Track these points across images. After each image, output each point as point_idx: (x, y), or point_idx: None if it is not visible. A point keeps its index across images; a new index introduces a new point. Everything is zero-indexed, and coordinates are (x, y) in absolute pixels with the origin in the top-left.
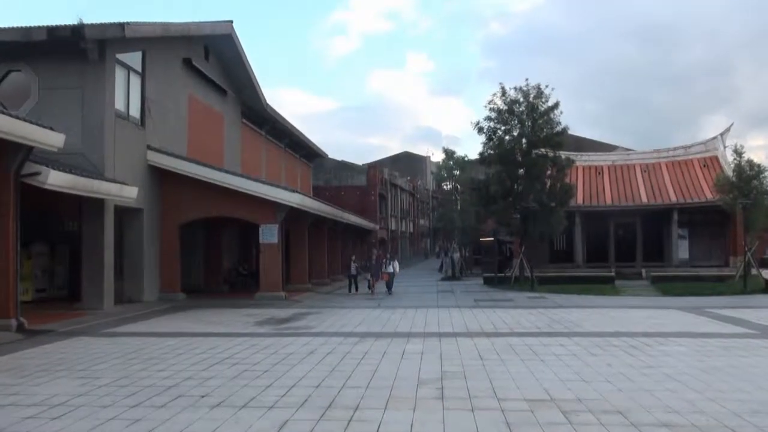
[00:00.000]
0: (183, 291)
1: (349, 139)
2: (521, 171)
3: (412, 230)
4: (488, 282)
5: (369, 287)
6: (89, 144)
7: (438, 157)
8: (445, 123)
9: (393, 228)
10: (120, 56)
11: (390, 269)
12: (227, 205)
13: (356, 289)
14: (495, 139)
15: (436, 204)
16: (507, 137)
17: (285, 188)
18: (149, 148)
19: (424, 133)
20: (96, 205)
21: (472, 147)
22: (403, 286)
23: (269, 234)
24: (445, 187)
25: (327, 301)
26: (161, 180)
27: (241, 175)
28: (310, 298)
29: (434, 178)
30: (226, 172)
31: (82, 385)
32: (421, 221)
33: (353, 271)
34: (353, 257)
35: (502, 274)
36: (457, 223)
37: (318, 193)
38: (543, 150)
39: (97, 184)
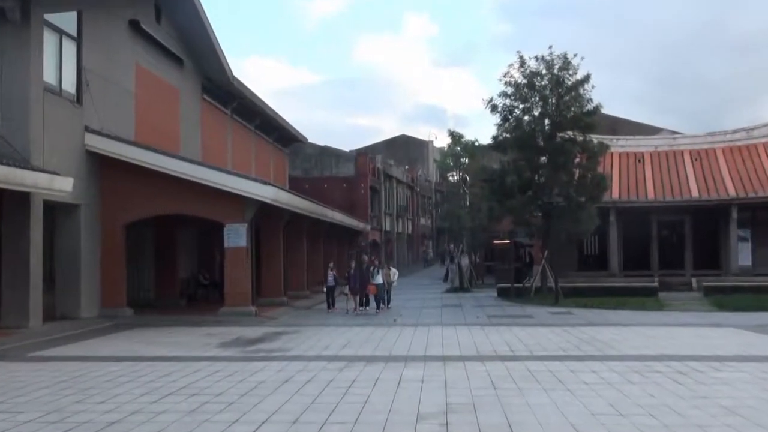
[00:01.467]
0: (130, 306)
1: (334, 119)
2: (543, 158)
3: (410, 231)
4: (503, 294)
5: (353, 305)
6: (11, 125)
7: (442, 141)
8: (451, 100)
9: (387, 228)
10: (49, 17)
11: (378, 279)
12: (185, 201)
13: (333, 305)
14: (512, 120)
15: (440, 199)
16: (526, 117)
17: (255, 180)
18: (87, 130)
19: (426, 113)
20: (19, 200)
21: (483, 129)
22: (399, 299)
23: (236, 236)
24: (450, 178)
25: (307, 318)
26: (103, 169)
27: (202, 164)
28: (287, 314)
29: (438, 168)
30: (183, 159)
31: None
32: (422, 220)
33: (331, 281)
34: (331, 264)
35: (520, 285)
36: (466, 222)
37: (296, 186)
38: (570, 133)
39: (20, 174)
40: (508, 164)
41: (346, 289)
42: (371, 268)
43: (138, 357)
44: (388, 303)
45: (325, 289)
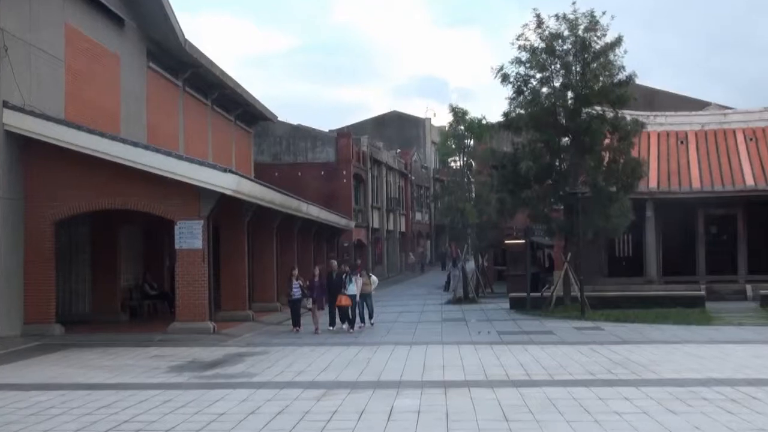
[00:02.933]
0: (60, 321)
1: (310, 93)
2: (566, 140)
3: (403, 228)
4: (517, 305)
5: (318, 322)
6: None
7: (443, 119)
8: (454, 69)
9: (376, 225)
10: None
11: (351, 290)
12: (126, 193)
13: (299, 324)
14: (527, 93)
15: (439, 190)
16: (545, 89)
17: (214, 167)
18: (6, 106)
19: (423, 85)
20: None
21: (493, 105)
22: (388, 311)
23: (189, 235)
24: (452, 164)
25: (277, 335)
26: (27, 155)
27: (148, 147)
28: (252, 331)
29: (437, 151)
30: (124, 142)
31: None
32: (418, 215)
33: (296, 292)
34: (295, 271)
35: (539, 294)
36: (471, 217)
37: (263, 174)
38: (598, 108)
39: None
40: (522, 147)
41: (309, 303)
42: (343, 276)
43: (70, 384)
44: (371, 317)
45: (290, 303)
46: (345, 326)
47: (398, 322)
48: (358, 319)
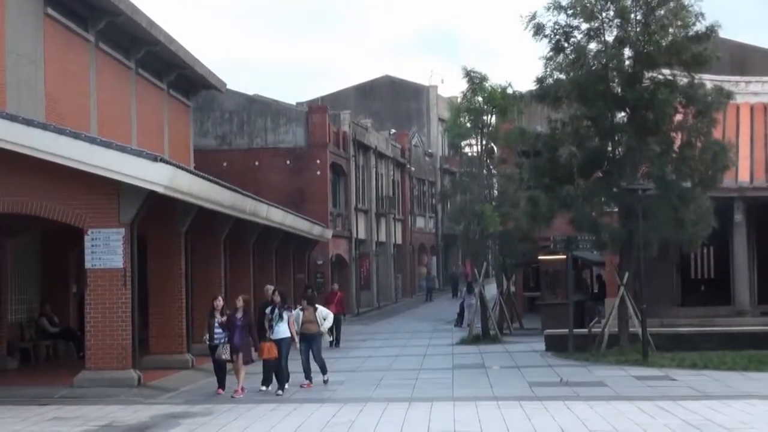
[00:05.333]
0: None
1: (271, 52)
2: (622, 115)
3: (399, 239)
4: (556, 346)
5: (238, 380)
6: None
7: (453, 87)
8: (468, 18)
9: (361, 235)
10: None
11: (281, 330)
12: (15, 191)
13: (223, 387)
14: (569, 51)
15: (449, 186)
16: (593, 45)
17: (139, 154)
18: None
19: (426, 41)
20: None
21: (522, 67)
22: (379, 355)
23: (106, 250)
24: (467, 149)
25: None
26: None
27: (46, 127)
28: (192, 383)
29: (446, 132)
30: (13, 119)
31: None
32: (420, 221)
33: (217, 335)
34: (217, 300)
35: (585, 331)
36: (493, 225)
37: (207, 164)
38: (667, 72)
39: None
40: (562, 126)
41: (226, 352)
42: (272, 310)
43: None
44: (323, 372)
45: (211, 349)
46: (264, 387)
47: (392, 369)
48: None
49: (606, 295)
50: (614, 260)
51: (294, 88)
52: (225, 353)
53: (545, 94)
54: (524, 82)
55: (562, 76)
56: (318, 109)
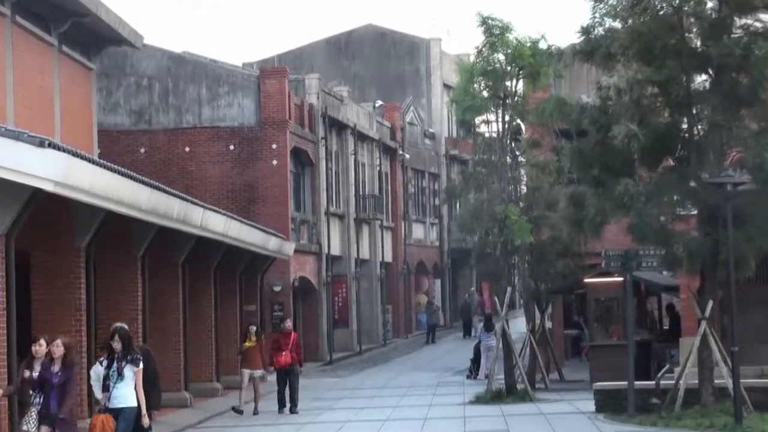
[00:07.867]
0: None
1: None
2: (702, 80)
3: (388, 256)
4: (609, 404)
5: None
6: None
7: (463, 42)
8: None
9: (335, 250)
10: None
11: (119, 397)
12: None
13: None
14: None
15: (458, 180)
16: None
17: (18, 137)
18: None
19: None
20: None
21: (560, 16)
22: (360, 420)
23: None
24: (483, 126)
25: None
26: None
27: None
28: None
29: (453, 104)
30: None
31: None
32: (418, 229)
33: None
34: (39, 345)
35: (653, 384)
36: (520, 234)
37: (117, 149)
38: (766, 19)
39: None
40: (618, 94)
41: (29, 423)
42: (109, 364)
43: None
44: None
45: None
46: None
47: None
48: None
49: (681, 334)
50: (692, 284)
51: (239, 44)
52: (28, 424)
53: (593, 49)
54: (564, 34)
55: (618, 25)
56: (273, 72)
